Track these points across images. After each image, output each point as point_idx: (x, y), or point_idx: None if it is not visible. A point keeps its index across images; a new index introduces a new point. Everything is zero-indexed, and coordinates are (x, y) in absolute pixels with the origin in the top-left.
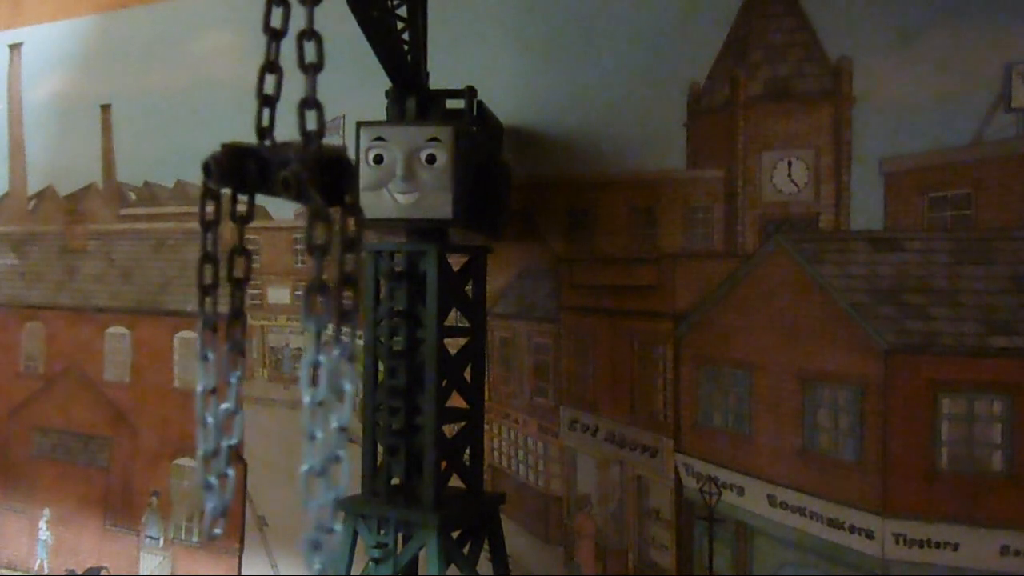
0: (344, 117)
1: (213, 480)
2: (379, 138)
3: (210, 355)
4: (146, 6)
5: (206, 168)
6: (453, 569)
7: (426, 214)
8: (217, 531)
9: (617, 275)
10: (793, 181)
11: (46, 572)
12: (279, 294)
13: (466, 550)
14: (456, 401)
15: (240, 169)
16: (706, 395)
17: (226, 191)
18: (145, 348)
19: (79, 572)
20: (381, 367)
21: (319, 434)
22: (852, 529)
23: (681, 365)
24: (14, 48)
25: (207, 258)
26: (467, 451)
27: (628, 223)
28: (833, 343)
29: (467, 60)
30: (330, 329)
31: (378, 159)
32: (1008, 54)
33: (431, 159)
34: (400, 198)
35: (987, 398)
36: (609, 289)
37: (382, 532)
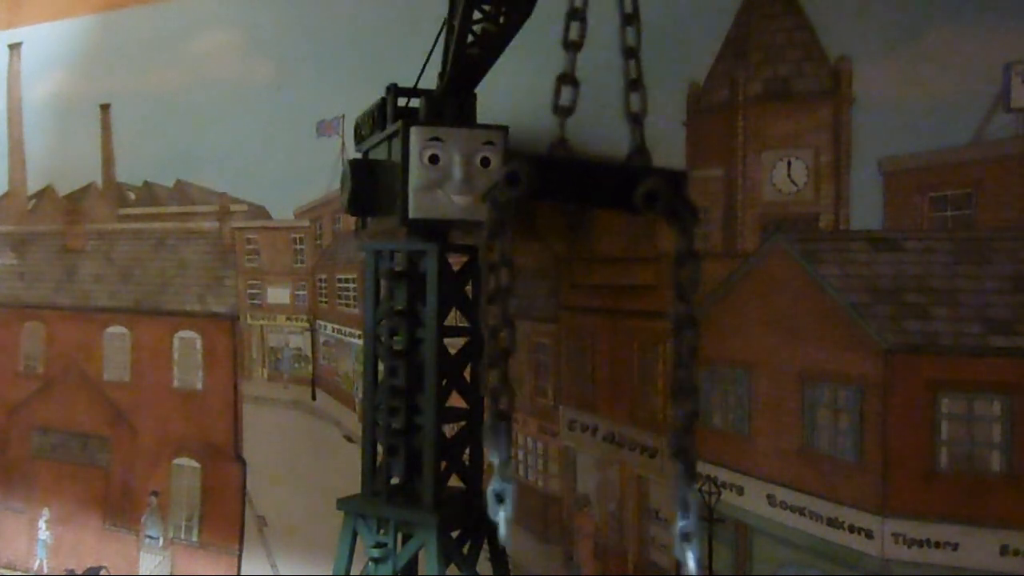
0: (344, 117)
1: (506, 487)
2: (435, 138)
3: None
4: (146, 6)
5: (513, 177)
6: (453, 569)
7: (477, 216)
8: (508, 540)
9: (617, 275)
10: (792, 181)
11: (45, 572)
12: (279, 294)
13: (465, 550)
14: (456, 401)
15: (546, 178)
16: (705, 395)
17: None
18: (145, 348)
19: (79, 572)
20: (381, 367)
21: None
22: (851, 529)
23: None
24: (14, 48)
25: (495, 266)
26: (467, 451)
27: (628, 223)
28: (833, 343)
29: None
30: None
31: (433, 159)
32: (1008, 54)
33: (485, 162)
34: (457, 199)
35: (987, 398)
36: (609, 289)
37: (382, 532)
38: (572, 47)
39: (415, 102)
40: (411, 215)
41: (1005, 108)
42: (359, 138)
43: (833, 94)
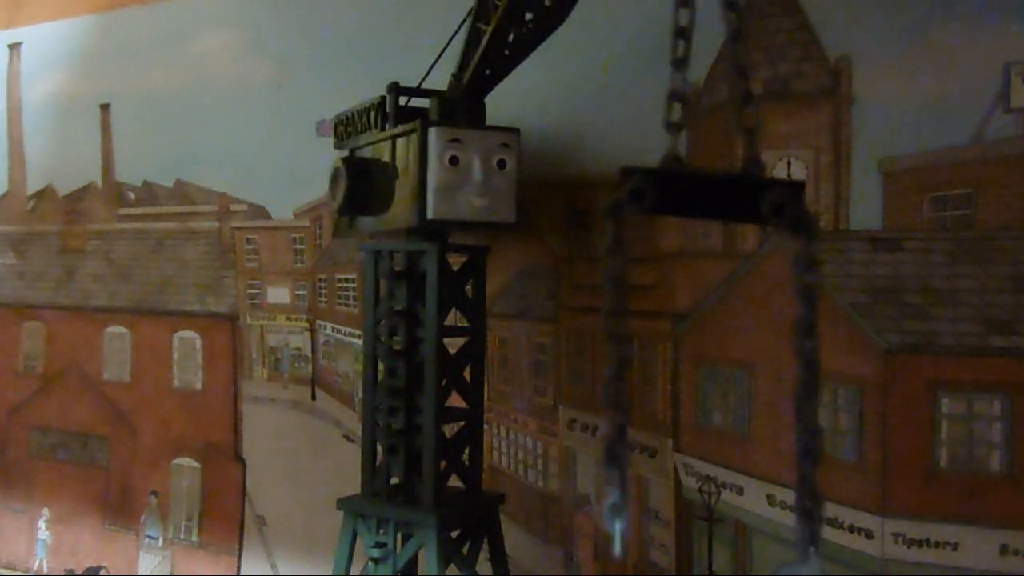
0: None
1: (622, 501)
2: (455, 140)
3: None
4: (146, 6)
5: (638, 194)
6: (452, 569)
7: (493, 218)
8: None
9: None
10: None
11: (45, 572)
12: (279, 294)
13: (465, 550)
14: (455, 401)
15: (667, 192)
16: (705, 395)
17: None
18: (145, 348)
19: (78, 572)
20: (381, 367)
21: None
22: (851, 529)
23: (680, 365)
24: (14, 48)
25: (616, 279)
26: (466, 451)
27: (628, 223)
28: (833, 343)
29: None
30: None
31: (453, 160)
32: (1008, 54)
33: (501, 164)
34: (476, 201)
35: (987, 398)
36: None
37: (381, 532)
38: (679, 64)
39: (415, 102)
40: (430, 216)
41: (1005, 108)
42: (344, 135)
43: (833, 94)
